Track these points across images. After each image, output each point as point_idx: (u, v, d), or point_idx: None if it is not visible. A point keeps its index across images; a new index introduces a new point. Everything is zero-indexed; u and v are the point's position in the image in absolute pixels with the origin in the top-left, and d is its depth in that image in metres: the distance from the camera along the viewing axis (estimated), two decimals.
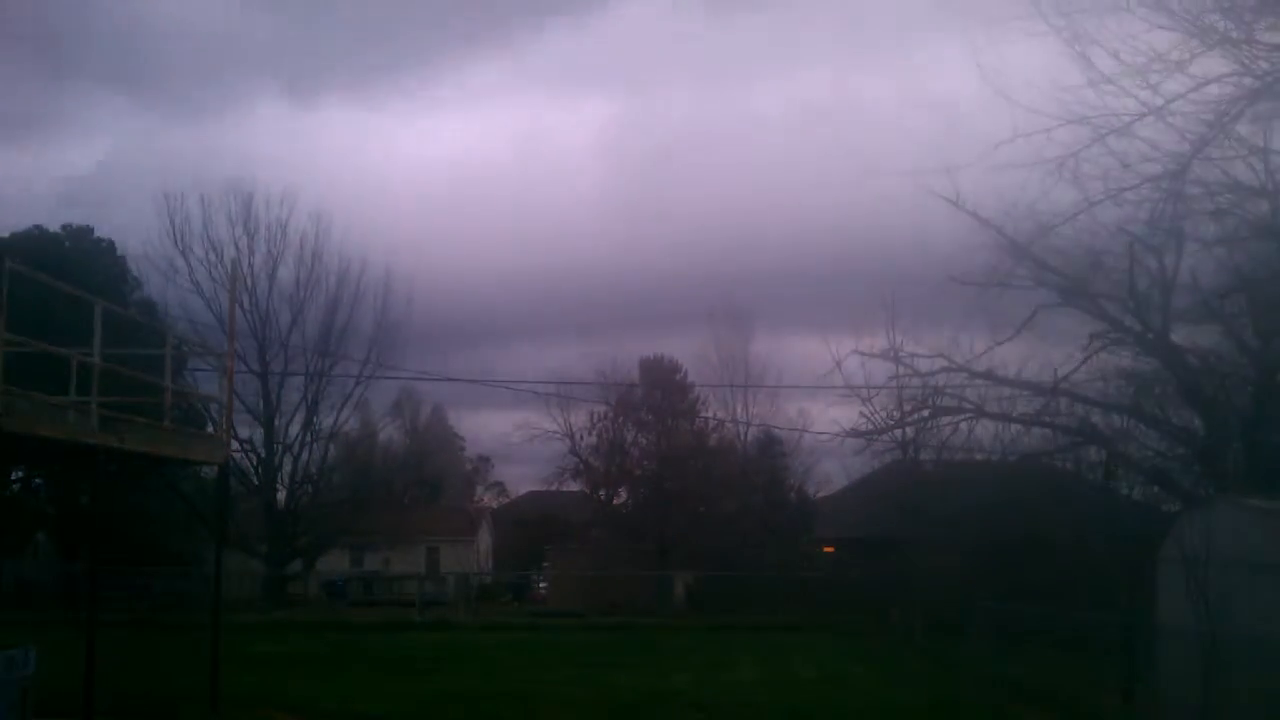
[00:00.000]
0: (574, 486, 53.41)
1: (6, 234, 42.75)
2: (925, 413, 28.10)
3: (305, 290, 45.40)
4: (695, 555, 42.37)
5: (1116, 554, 23.76)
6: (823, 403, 40.50)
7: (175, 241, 44.30)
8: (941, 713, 18.80)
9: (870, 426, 29.14)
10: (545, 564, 51.01)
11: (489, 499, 77.97)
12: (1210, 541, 15.38)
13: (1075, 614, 22.11)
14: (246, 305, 43.62)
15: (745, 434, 50.18)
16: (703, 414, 50.11)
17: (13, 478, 42.25)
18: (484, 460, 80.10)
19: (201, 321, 41.56)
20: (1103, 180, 20.28)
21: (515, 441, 53.41)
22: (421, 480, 56.20)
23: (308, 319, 45.45)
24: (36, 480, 43.95)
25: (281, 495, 46.25)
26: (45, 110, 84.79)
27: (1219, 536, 15.46)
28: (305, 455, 46.14)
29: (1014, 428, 27.22)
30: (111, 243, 46.22)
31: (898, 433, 31.00)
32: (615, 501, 51.29)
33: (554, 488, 55.68)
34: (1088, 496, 28.57)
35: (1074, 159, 19.73)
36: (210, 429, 26.75)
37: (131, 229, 65.58)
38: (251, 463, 45.24)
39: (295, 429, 45.73)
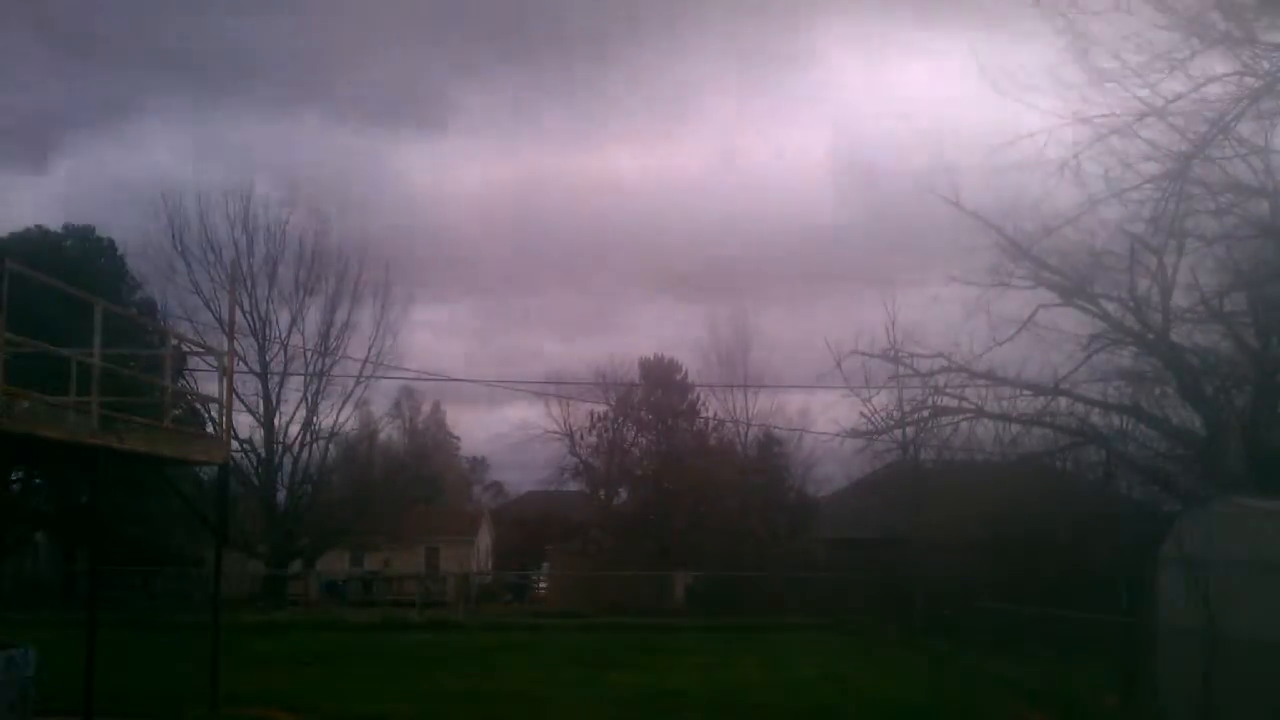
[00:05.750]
0: (574, 486, 53.43)
1: (6, 234, 42.79)
2: (925, 413, 28.09)
3: (305, 290, 45.46)
4: (695, 555, 42.35)
5: (1116, 554, 23.77)
6: (823, 402, 40.55)
7: (174, 242, 44.35)
8: (941, 712, 18.79)
9: (870, 426, 29.14)
10: (545, 564, 50.98)
11: (486, 499, 77.99)
12: (1210, 541, 15.39)
13: (1075, 614, 22.12)
14: (246, 305, 43.65)
15: (745, 434, 50.24)
16: (703, 414, 50.12)
17: (13, 478, 42.22)
18: (479, 460, 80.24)
19: (201, 321, 41.62)
20: (1104, 180, 20.32)
21: (515, 441, 53.53)
22: (421, 480, 56.17)
23: (307, 319, 45.53)
24: (36, 480, 43.92)
25: (281, 495, 46.24)
26: (47, 109, 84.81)
27: (1219, 536, 15.46)
28: (305, 455, 46.17)
29: (1014, 428, 27.23)
30: (112, 242, 46.26)
31: (898, 433, 30.99)
32: (615, 501, 51.26)
33: (554, 488, 55.70)
34: (1088, 496, 28.58)
35: (1075, 159, 19.76)
36: (210, 429, 26.74)
37: (131, 229, 65.67)
38: (251, 463, 45.24)
39: (295, 429, 45.79)
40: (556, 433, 51.99)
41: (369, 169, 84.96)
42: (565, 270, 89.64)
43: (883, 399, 29.15)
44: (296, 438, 45.74)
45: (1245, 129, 18.67)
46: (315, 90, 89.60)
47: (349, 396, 46.51)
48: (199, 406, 33.67)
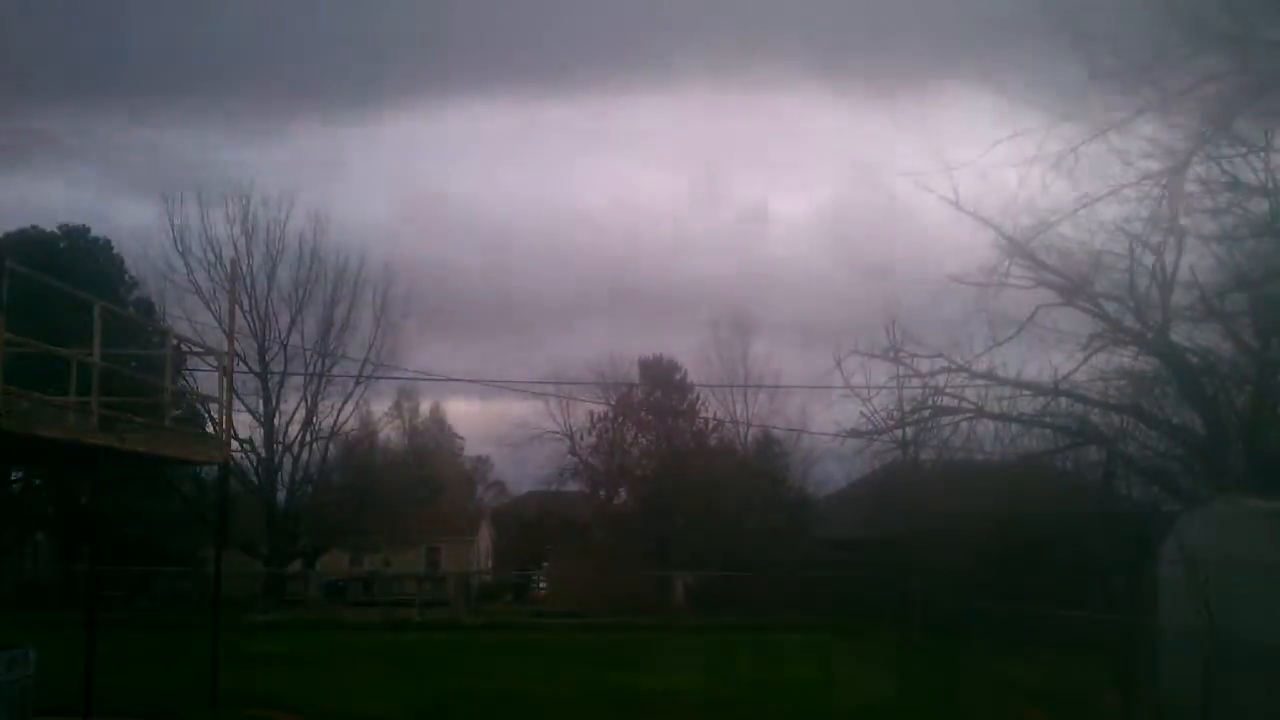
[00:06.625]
0: (574, 486, 53.46)
1: (2, 234, 42.75)
2: (925, 413, 28.09)
3: (304, 290, 45.42)
4: (695, 555, 42.34)
5: (1116, 554, 23.79)
6: (823, 402, 40.45)
7: (174, 242, 44.32)
8: (941, 713, 18.78)
9: (870, 426, 29.12)
10: (545, 564, 50.99)
11: (488, 499, 78.00)
12: (1210, 541, 15.39)
13: (1075, 614, 22.13)
14: (246, 305, 43.60)
15: (745, 434, 50.22)
16: (703, 414, 50.13)
17: (13, 478, 42.21)
18: (483, 460, 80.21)
19: (200, 321, 41.56)
20: (1103, 177, 20.32)
21: (515, 441, 53.50)
22: (421, 480, 56.17)
23: (307, 318, 45.49)
24: (36, 480, 43.91)
25: (281, 495, 46.22)
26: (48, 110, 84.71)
27: (1219, 536, 15.47)
28: (305, 455, 46.14)
29: (1014, 428, 27.25)
30: (108, 242, 46.21)
31: (898, 433, 30.97)
32: (615, 501, 51.28)
33: (554, 488, 55.72)
34: (1088, 496, 28.58)
35: (1074, 155, 19.76)
36: (210, 429, 26.75)
37: (130, 229, 65.58)
38: (251, 463, 45.20)
39: (295, 429, 45.76)
40: (556, 433, 52.03)
41: (367, 169, 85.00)
42: (564, 269, 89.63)
43: (883, 399, 29.14)
44: (296, 438, 45.73)
45: (1245, 127, 18.68)
46: (314, 91, 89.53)
47: (349, 396, 46.54)
48: (199, 406, 33.69)
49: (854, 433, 29.28)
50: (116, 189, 78.09)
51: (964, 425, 28.50)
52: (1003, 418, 26.59)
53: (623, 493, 51.00)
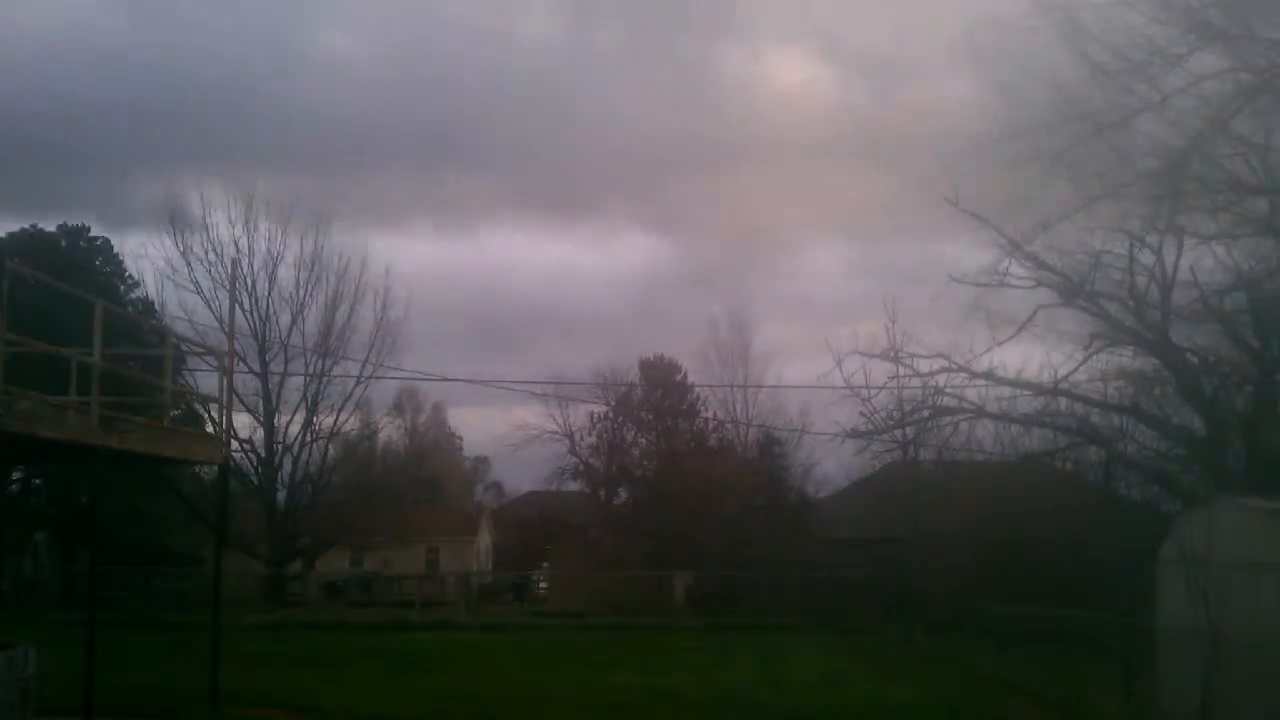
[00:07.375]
0: (574, 487, 53.46)
1: (2, 234, 42.81)
2: (925, 413, 28.08)
3: (305, 290, 45.44)
4: (695, 555, 42.32)
5: (1116, 554, 23.77)
6: (822, 402, 40.43)
7: (175, 241, 44.36)
8: (941, 713, 18.77)
9: (870, 426, 29.10)
10: (545, 564, 50.99)
11: (487, 499, 78.06)
12: (1210, 541, 15.39)
13: (1075, 614, 22.12)
14: (246, 305, 43.63)
15: (745, 434, 50.21)
16: (703, 414, 50.11)
17: (13, 478, 42.22)
18: (481, 460, 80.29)
19: (201, 321, 41.59)
20: (1101, 176, 20.31)
21: (515, 442, 53.49)
22: (421, 480, 56.17)
23: (307, 319, 45.51)
24: (36, 480, 43.92)
25: (281, 495, 46.21)
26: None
27: (1219, 536, 15.47)
28: (305, 455, 46.14)
29: (1014, 428, 27.27)
30: (108, 241, 46.32)
31: (898, 433, 30.95)
32: (615, 501, 51.27)
33: (554, 488, 55.74)
34: (1088, 496, 28.58)
35: (1072, 154, 19.75)
36: (210, 429, 26.73)
37: (130, 228, 65.48)
38: (251, 463, 45.22)
39: (295, 429, 45.77)
40: (556, 433, 52.03)
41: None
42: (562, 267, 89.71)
43: (883, 399, 29.12)
44: (296, 438, 45.76)
45: (1243, 125, 18.67)
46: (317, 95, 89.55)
47: (349, 397, 46.55)
48: (199, 406, 33.68)
49: (854, 433, 29.26)
50: (117, 189, 78.11)
51: (964, 425, 28.56)
52: (1003, 418, 26.60)
53: (623, 493, 50.99)
